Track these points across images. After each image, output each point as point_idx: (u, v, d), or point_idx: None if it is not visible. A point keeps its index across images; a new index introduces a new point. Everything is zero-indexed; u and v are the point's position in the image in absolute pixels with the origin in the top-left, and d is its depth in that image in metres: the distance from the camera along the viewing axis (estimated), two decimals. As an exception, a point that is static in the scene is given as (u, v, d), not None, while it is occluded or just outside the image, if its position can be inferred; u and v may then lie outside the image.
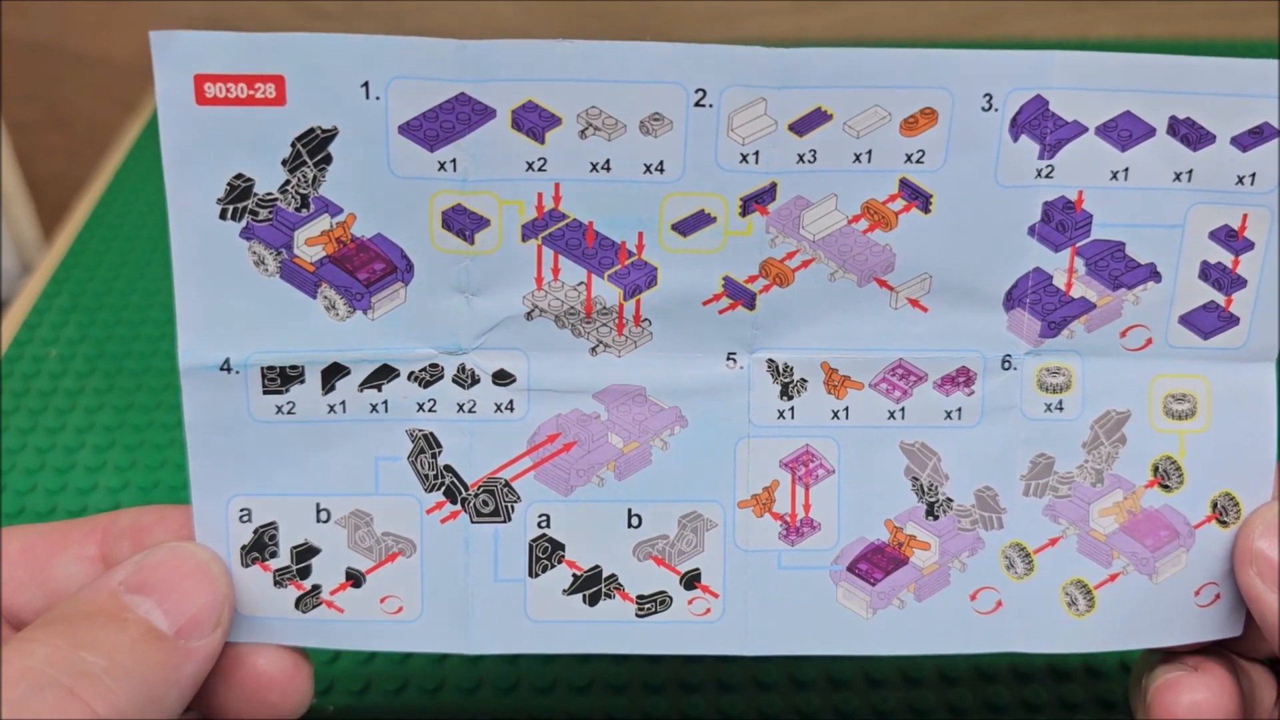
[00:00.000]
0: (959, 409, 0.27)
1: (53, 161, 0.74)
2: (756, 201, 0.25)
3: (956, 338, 0.27)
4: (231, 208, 0.24)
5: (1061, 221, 0.26)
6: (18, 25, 0.71)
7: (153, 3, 0.70)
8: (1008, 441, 0.27)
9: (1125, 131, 0.25)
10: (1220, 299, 0.27)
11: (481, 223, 0.25)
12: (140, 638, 0.23)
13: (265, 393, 0.26)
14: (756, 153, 0.25)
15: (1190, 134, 0.25)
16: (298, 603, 0.26)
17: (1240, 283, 0.27)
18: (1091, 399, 0.27)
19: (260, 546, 0.26)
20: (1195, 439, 0.27)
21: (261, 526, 0.26)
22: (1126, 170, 0.26)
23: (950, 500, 0.27)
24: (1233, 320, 0.27)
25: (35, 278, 0.56)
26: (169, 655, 0.23)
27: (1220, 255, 0.26)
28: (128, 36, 0.72)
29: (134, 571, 0.24)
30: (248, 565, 0.26)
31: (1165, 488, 0.27)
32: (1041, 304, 0.27)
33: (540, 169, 0.25)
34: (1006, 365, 0.27)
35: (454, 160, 0.24)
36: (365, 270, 0.25)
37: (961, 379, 0.27)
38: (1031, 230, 0.26)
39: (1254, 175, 0.26)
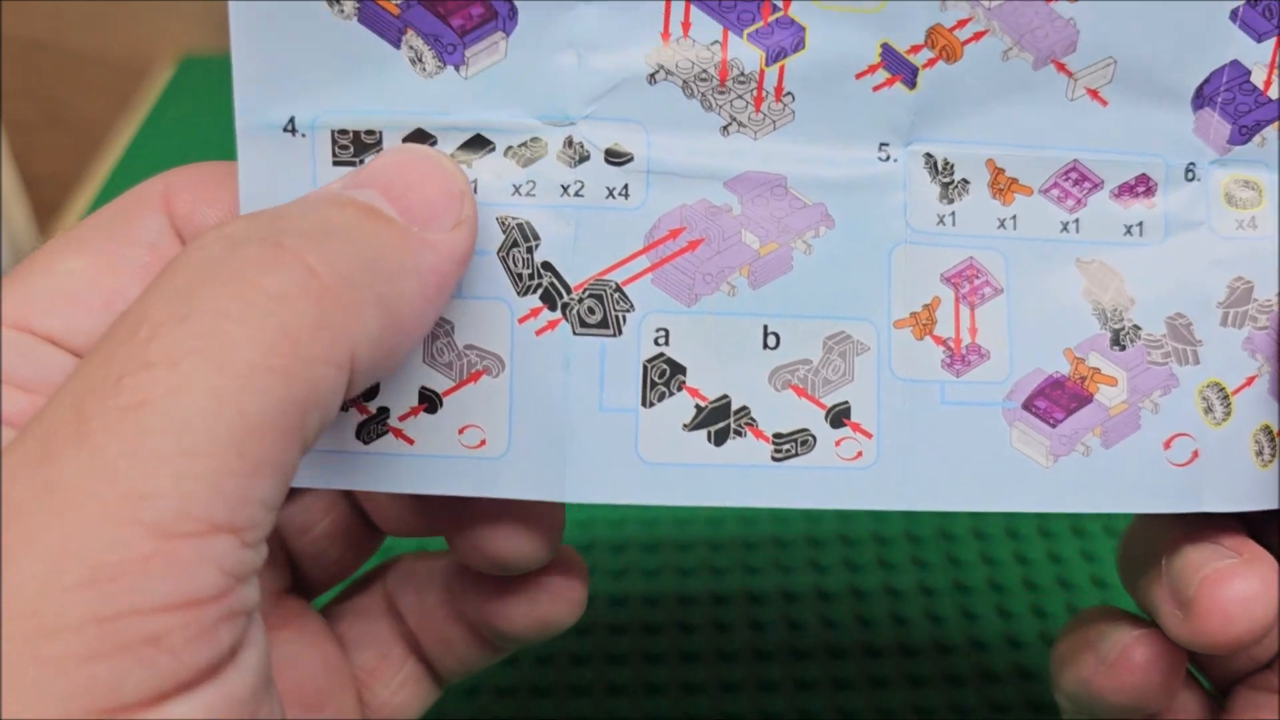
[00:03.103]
0: (1140, 223, 0.23)
1: (48, 159, 0.73)
2: None
3: (1137, 139, 0.23)
4: None
5: (1270, 5, 0.22)
6: (15, 23, 0.70)
7: (150, 1, 0.69)
8: (1200, 262, 0.23)
9: None
10: None
11: None
12: (361, 214, 0.19)
13: (335, 163, 0.21)
14: None
15: None
16: (360, 431, 0.21)
17: None
18: None
19: None
20: None
21: None
22: None
23: (1139, 328, 0.23)
24: None
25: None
26: (399, 237, 0.19)
27: None
28: (124, 34, 0.70)
29: (352, 174, 0.20)
30: None
31: None
32: (1234, 104, 0.23)
33: None
34: (1190, 175, 0.23)
35: None
36: (460, 15, 0.21)
37: (1141, 188, 0.23)
38: (1234, 14, 0.22)
39: None
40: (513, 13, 0.21)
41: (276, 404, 0.16)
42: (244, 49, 0.20)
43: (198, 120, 0.63)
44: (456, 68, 0.21)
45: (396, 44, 0.21)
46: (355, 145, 0.21)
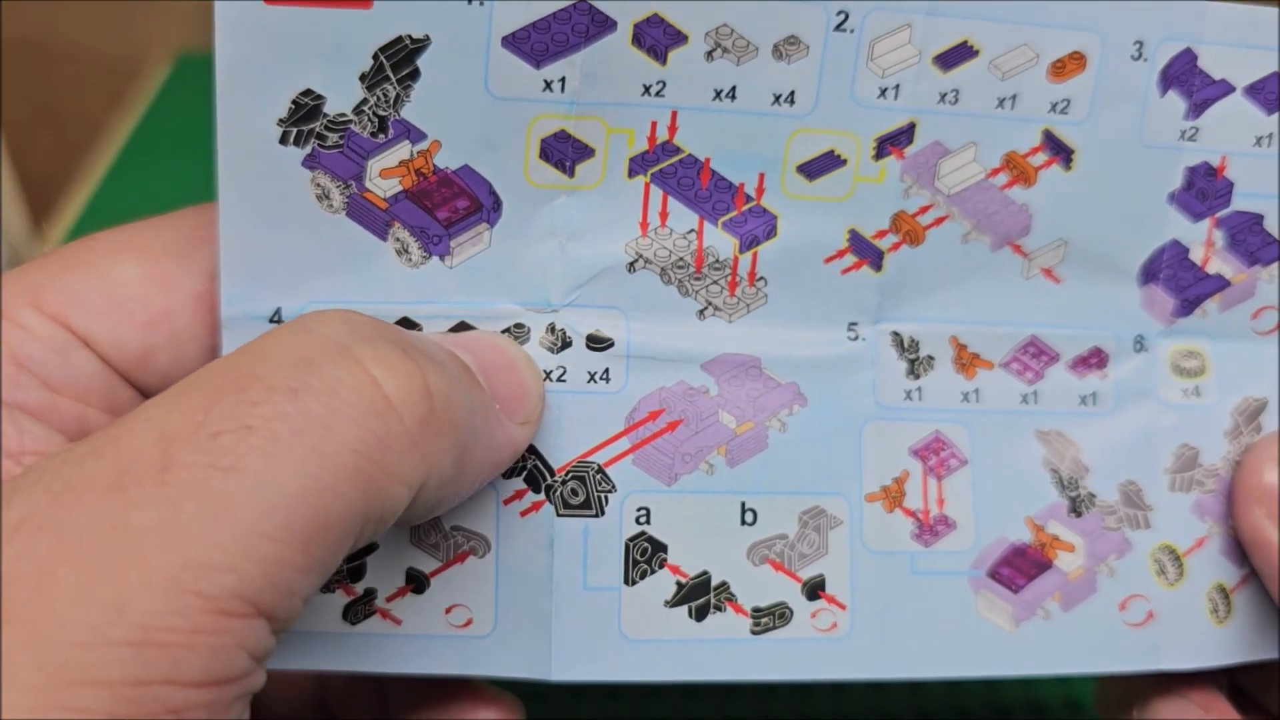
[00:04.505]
0: (1093, 394, 0.24)
1: (44, 158, 0.72)
2: (893, 143, 0.22)
3: (1089, 314, 0.24)
4: (295, 130, 0.21)
5: (1202, 189, 0.24)
6: (10, 22, 0.70)
7: (146, 1, 0.69)
8: (1148, 431, 0.24)
9: (1274, 94, 0.24)
10: None
11: (585, 152, 0.22)
12: (464, 369, 0.19)
13: None
14: (897, 86, 0.22)
15: None
16: (346, 612, 0.22)
17: None
18: (1228, 384, 0.25)
19: None
20: None
21: None
22: (1272, 135, 0.24)
23: (1094, 496, 0.24)
24: None
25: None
26: (487, 405, 0.19)
27: None
28: (120, 33, 0.71)
29: (447, 335, 0.20)
30: None
31: None
32: (1176, 279, 0.24)
33: (658, 93, 0.22)
34: (1139, 347, 0.24)
35: (563, 79, 0.21)
36: (446, 208, 0.22)
37: (1094, 360, 0.24)
38: (1172, 197, 0.24)
39: None
40: (497, 204, 0.22)
41: (351, 510, 0.16)
42: (232, 243, 0.21)
43: (194, 118, 0.61)
44: (442, 258, 0.22)
45: (383, 236, 0.21)
46: None
